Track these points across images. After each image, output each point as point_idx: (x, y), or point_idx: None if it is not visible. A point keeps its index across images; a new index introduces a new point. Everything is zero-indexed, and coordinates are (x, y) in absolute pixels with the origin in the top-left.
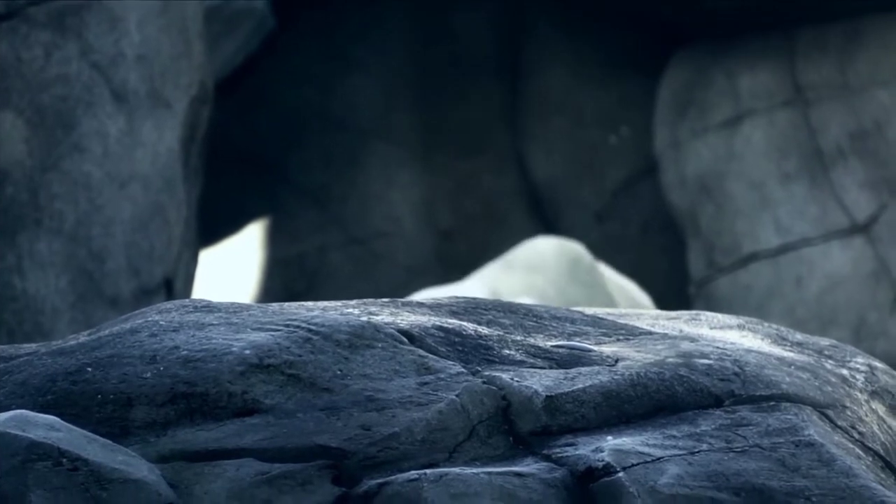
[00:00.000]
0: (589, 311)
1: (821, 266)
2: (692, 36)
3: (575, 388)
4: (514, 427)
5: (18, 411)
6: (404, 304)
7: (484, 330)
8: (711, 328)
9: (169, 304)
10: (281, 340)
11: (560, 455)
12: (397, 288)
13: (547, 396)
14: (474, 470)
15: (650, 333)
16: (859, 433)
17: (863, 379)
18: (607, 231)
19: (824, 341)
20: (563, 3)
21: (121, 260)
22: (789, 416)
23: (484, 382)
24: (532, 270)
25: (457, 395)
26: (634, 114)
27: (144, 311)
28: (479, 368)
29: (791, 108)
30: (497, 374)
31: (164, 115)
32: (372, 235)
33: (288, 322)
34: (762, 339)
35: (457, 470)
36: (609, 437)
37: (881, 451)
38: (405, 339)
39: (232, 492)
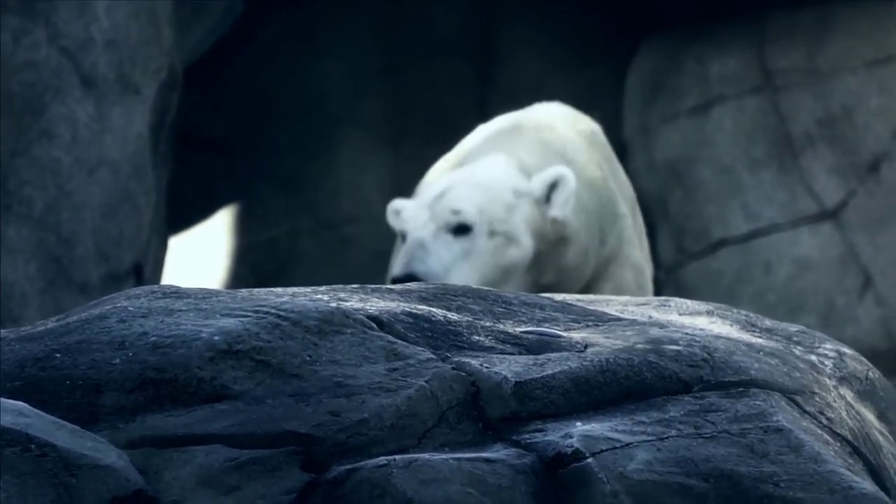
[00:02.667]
0: (558, 297)
1: (790, 252)
2: (663, 22)
3: (544, 374)
4: (484, 413)
5: None
6: (374, 290)
7: (453, 316)
8: (680, 314)
9: (138, 290)
10: (250, 326)
11: (529, 441)
12: (367, 273)
13: (516, 382)
14: (443, 456)
15: (619, 319)
16: (827, 419)
17: (831, 365)
18: None
19: (793, 327)
20: None
21: (90, 246)
22: (758, 402)
23: (453, 368)
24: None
25: (426, 381)
26: (605, 99)
27: (113, 297)
28: (449, 354)
29: (760, 94)
30: (466, 360)
31: (133, 101)
32: (342, 221)
33: (257, 308)
34: (731, 326)
35: (426, 456)
36: (578, 423)
37: (849, 437)
38: (374, 325)
39: (201, 478)
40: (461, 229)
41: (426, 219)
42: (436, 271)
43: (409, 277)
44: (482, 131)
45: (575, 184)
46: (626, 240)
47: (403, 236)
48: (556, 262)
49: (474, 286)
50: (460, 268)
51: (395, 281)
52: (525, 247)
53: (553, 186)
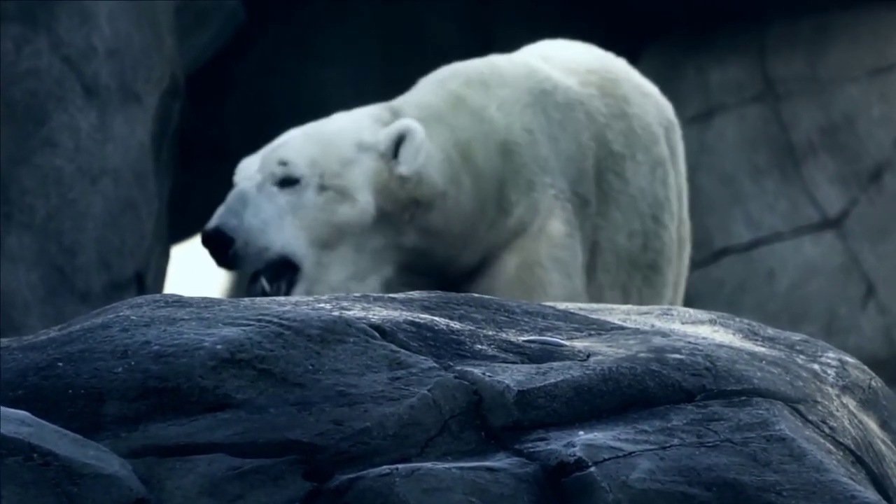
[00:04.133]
0: (561, 306)
1: (792, 261)
2: (663, 30)
3: (547, 382)
4: (486, 422)
5: None
6: (376, 299)
7: (456, 325)
8: (683, 323)
9: (140, 299)
10: (252, 335)
11: (532, 450)
12: None
13: (519, 391)
14: (446, 465)
15: (622, 328)
16: (830, 428)
17: (834, 374)
18: None
19: (796, 336)
20: None
21: (92, 254)
22: (761, 411)
23: (456, 377)
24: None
25: (429, 390)
26: None
27: (116, 306)
28: (451, 363)
29: (761, 102)
30: (469, 368)
31: (135, 110)
32: None
33: (259, 317)
34: (734, 334)
35: (428, 465)
36: (581, 432)
37: (852, 446)
38: (377, 334)
39: (204, 487)
40: (287, 181)
41: (255, 170)
42: (249, 226)
43: (218, 234)
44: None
45: (422, 139)
46: (545, 211)
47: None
48: (418, 224)
49: (302, 248)
50: (283, 223)
51: (204, 238)
52: (362, 205)
53: (400, 141)
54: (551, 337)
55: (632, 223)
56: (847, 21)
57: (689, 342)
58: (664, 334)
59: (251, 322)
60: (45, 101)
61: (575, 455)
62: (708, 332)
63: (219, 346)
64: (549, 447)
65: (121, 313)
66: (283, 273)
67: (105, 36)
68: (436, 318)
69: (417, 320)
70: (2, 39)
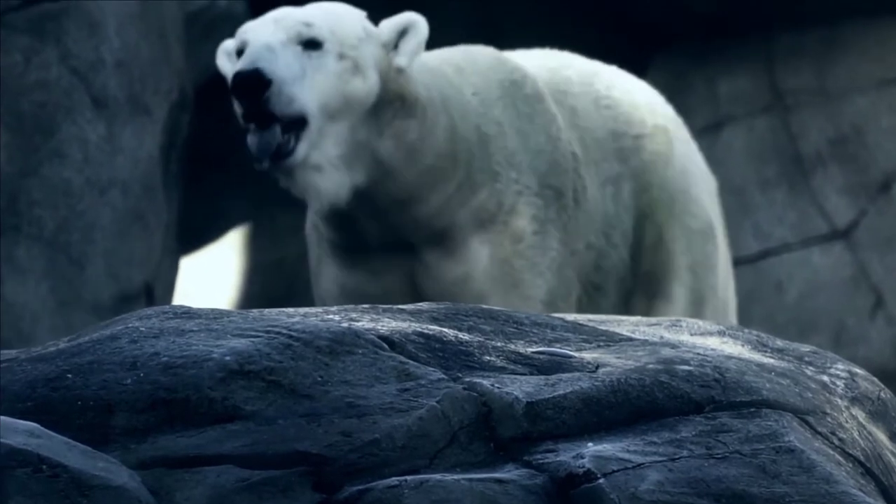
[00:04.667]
0: (570, 317)
1: (801, 272)
2: (671, 41)
3: (556, 394)
4: (495, 433)
5: None
6: (385, 311)
7: (465, 336)
8: (692, 334)
9: (149, 311)
10: (261, 347)
11: (541, 461)
12: None
13: (528, 403)
14: (455, 476)
15: (631, 340)
16: (839, 439)
17: (843, 385)
18: None
19: (804, 347)
20: (539, 6)
21: (101, 266)
22: (770, 423)
23: (465, 389)
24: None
25: (437, 402)
26: None
27: (125, 318)
28: (460, 375)
29: (770, 113)
30: (478, 380)
31: (144, 121)
32: None
33: (268, 328)
34: (742, 346)
35: (437, 476)
36: (590, 444)
37: (861, 458)
38: (386, 346)
39: (213, 498)
40: (312, 44)
41: (274, 29)
42: (283, 76)
43: (256, 76)
44: None
45: (424, 35)
46: (509, 207)
47: (241, 52)
48: (396, 129)
49: (316, 109)
50: (309, 81)
51: (241, 79)
52: (371, 82)
53: (403, 33)
54: (560, 348)
55: (589, 234)
56: (856, 32)
57: (698, 354)
58: (673, 346)
59: (260, 333)
60: (53, 112)
61: (584, 466)
62: (716, 343)
63: (228, 358)
64: (558, 459)
65: (130, 325)
66: (292, 128)
67: (114, 47)
68: (444, 330)
69: (426, 331)
70: (10, 51)
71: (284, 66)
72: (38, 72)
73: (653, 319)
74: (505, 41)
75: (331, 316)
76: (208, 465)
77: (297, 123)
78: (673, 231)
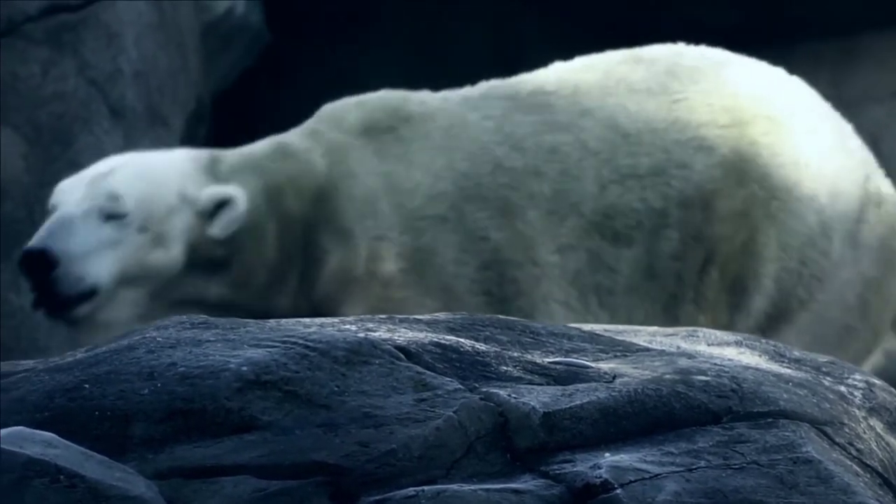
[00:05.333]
0: (586, 327)
1: None
2: None
3: (572, 404)
4: (512, 443)
5: (16, 428)
6: (402, 321)
7: (481, 346)
8: (709, 345)
9: (166, 321)
10: (278, 357)
11: (558, 472)
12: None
13: (544, 413)
14: (472, 486)
15: (647, 350)
16: (857, 450)
17: (861, 396)
18: None
19: (822, 358)
20: (559, 20)
21: None
22: (787, 433)
23: (481, 399)
24: None
25: (454, 412)
26: None
27: (142, 328)
28: (477, 385)
29: None
30: (495, 390)
31: (161, 132)
32: None
33: (285, 338)
34: (760, 356)
35: (454, 486)
36: (607, 454)
37: (879, 468)
38: (402, 356)
39: None
40: (114, 216)
41: (81, 196)
42: (75, 252)
43: (42, 255)
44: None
45: (242, 212)
46: (370, 257)
47: (52, 212)
48: (220, 280)
49: (114, 277)
50: (103, 255)
51: (25, 256)
52: (174, 255)
53: (221, 206)
54: (577, 358)
55: (558, 238)
56: (872, 43)
57: (715, 364)
58: (690, 356)
59: (276, 344)
60: (71, 123)
61: (601, 477)
62: (734, 353)
63: (244, 368)
64: (575, 469)
65: (147, 335)
66: (83, 298)
67: (131, 58)
68: (461, 340)
69: (443, 342)
70: (29, 62)
71: (78, 242)
72: (56, 83)
73: (670, 329)
74: (527, 46)
75: (347, 326)
76: (225, 475)
77: (88, 295)
78: (766, 232)
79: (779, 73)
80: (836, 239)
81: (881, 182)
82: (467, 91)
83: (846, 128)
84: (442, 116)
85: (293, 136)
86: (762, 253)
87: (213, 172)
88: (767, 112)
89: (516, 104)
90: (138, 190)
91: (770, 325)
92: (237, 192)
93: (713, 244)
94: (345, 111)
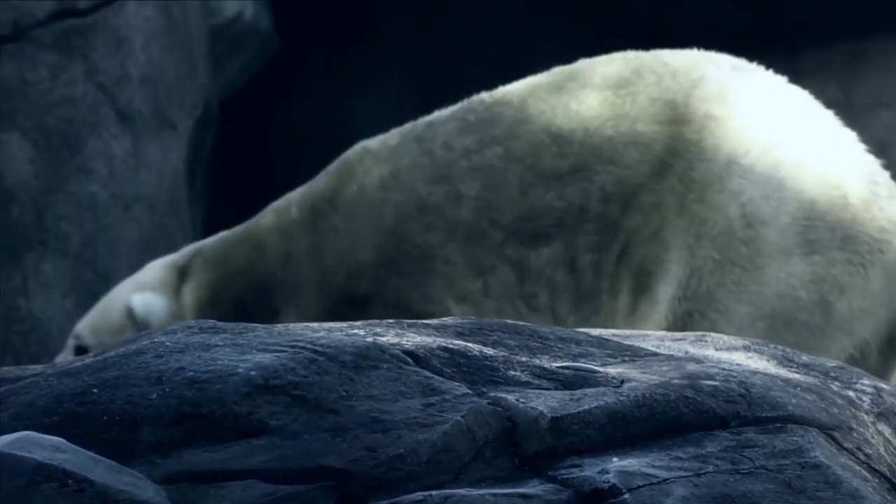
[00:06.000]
0: (594, 332)
1: None
2: None
3: (581, 409)
4: (520, 448)
5: (24, 433)
6: (410, 325)
7: (489, 351)
8: (717, 349)
9: (175, 326)
10: (286, 361)
11: (566, 476)
12: None
13: (552, 418)
14: (480, 491)
15: (656, 355)
16: (865, 455)
17: (869, 401)
18: None
19: (830, 363)
20: (568, 25)
21: None
22: (795, 438)
23: (489, 403)
24: None
25: (462, 417)
26: None
27: (150, 333)
28: (485, 389)
29: None
30: (503, 395)
31: (169, 136)
32: None
33: (293, 343)
34: (768, 361)
35: (462, 491)
36: (615, 459)
37: (887, 473)
38: (410, 360)
39: None
40: (80, 350)
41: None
42: None
43: None
44: None
45: (159, 313)
46: None
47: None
48: None
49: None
50: None
51: None
52: None
53: (142, 316)
54: (585, 363)
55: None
56: (881, 47)
57: (724, 369)
58: (698, 361)
59: (285, 348)
60: (79, 128)
61: (609, 482)
62: (742, 358)
63: (253, 373)
64: (583, 474)
65: (155, 339)
66: None
67: (139, 63)
68: (469, 345)
69: (451, 346)
70: (37, 67)
71: None
72: (65, 87)
73: (678, 334)
74: (533, 62)
75: (355, 331)
76: (233, 479)
77: None
78: (676, 222)
79: (769, 78)
80: (769, 231)
81: (868, 188)
82: (431, 117)
83: (835, 134)
84: (378, 169)
85: (267, 216)
86: (669, 241)
87: (184, 271)
88: (712, 111)
89: (464, 125)
90: (90, 322)
91: (693, 313)
92: (136, 300)
93: (628, 235)
94: (312, 183)
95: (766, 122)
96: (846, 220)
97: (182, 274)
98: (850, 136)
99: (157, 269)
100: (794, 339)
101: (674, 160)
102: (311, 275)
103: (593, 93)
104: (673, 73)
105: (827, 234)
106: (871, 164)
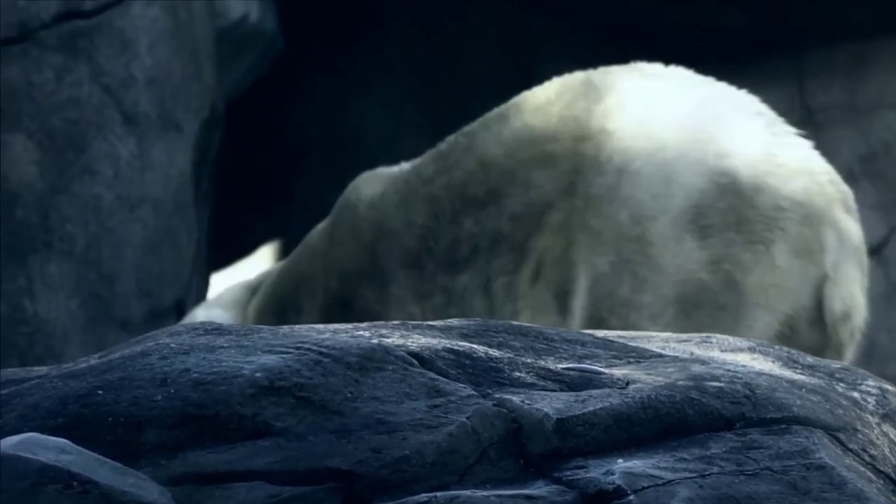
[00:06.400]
0: (600, 333)
1: None
2: (701, 59)
3: (586, 410)
4: (525, 450)
5: (29, 434)
6: (415, 327)
7: (494, 352)
8: (722, 351)
9: (180, 327)
10: (291, 363)
11: (571, 478)
12: None
13: (558, 419)
14: (485, 493)
15: (661, 356)
16: (870, 456)
17: (874, 402)
18: None
19: (835, 364)
20: (571, 26)
21: (131, 283)
22: (800, 439)
23: (494, 405)
24: None
25: (467, 418)
26: None
27: (155, 334)
28: (490, 391)
29: (800, 130)
30: (508, 396)
31: (174, 138)
32: None
33: (298, 345)
34: (773, 362)
35: (467, 493)
36: (620, 460)
37: (892, 474)
38: (415, 362)
39: None
40: None
41: None
42: None
43: None
44: None
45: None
46: None
47: None
48: None
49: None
50: None
51: None
52: None
53: None
54: (590, 365)
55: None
56: (886, 48)
57: (729, 370)
58: (703, 362)
59: (290, 350)
60: (85, 129)
61: (614, 483)
62: (747, 359)
63: (258, 374)
64: (588, 475)
65: (160, 341)
66: None
67: (145, 65)
68: (474, 346)
69: (456, 348)
70: (43, 69)
71: None
72: (70, 89)
73: (683, 335)
74: (538, 61)
75: (361, 332)
76: (239, 481)
77: None
78: (580, 240)
79: (681, 83)
80: (657, 224)
81: (761, 172)
82: (432, 152)
83: (733, 126)
84: (374, 188)
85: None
86: (575, 259)
87: (255, 290)
88: (606, 126)
89: (436, 154)
90: None
91: (601, 315)
92: (210, 316)
93: (539, 255)
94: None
95: (655, 127)
96: (738, 203)
97: (252, 293)
98: (754, 125)
99: (236, 289)
100: (711, 320)
101: (577, 178)
102: (321, 275)
103: (521, 117)
104: (586, 91)
105: (719, 218)
106: (775, 149)
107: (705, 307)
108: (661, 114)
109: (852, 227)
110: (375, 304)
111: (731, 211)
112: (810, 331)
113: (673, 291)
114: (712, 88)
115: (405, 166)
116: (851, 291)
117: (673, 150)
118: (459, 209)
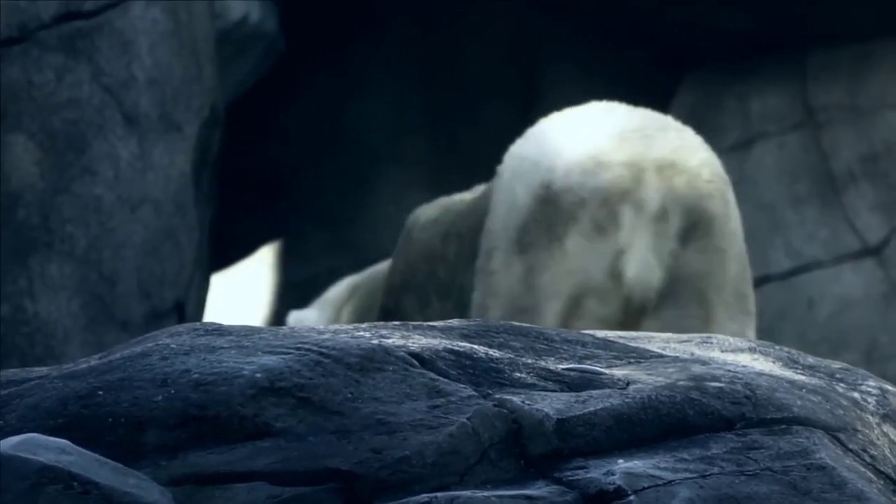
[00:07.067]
0: (600, 334)
1: (832, 289)
2: (703, 59)
3: (586, 410)
4: (526, 450)
5: (29, 435)
6: (415, 328)
7: (495, 353)
8: (723, 351)
9: (180, 328)
10: (292, 363)
11: (571, 478)
12: None
13: (558, 419)
14: (485, 493)
15: (661, 356)
16: (871, 456)
17: (874, 402)
18: None
19: (836, 364)
20: (573, 26)
21: (132, 283)
22: (801, 440)
23: (495, 405)
24: None
25: (468, 419)
26: None
27: (155, 335)
28: (490, 391)
29: (802, 130)
30: (508, 397)
31: (175, 139)
32: (383, 258)
33: (299, 345)
34: (774, 363)
35: (468, 493)
36: (620, 460)
37: (893, 475)
38: (416, 363)
39: None
40: None
41: None
42: None
43: None
44: None
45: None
46: None
47: None
48: None
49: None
50: None
51: None
52: None
53: None
54: (591, 365)
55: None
56: (888, 49)
57: (729, 370)
58: (704, 362)
59: (290, 350)
60: (85, 130)
61: (614, 483)
62: (748, 360)
63: (258, 375)
64: (588, 475)
65: (160, 342)
66: None
67: (145, 65)
68: (475, 346)
69: (456, 348)
70: (43, 69)
71: None
72: (70, 89)
73: (684, 336)
74: (541, 62)
75: (361, 333)
76: (239, 481)
77: None
78: (465, 271)
79: (563, 116)
80: (498, 255)
81: (573, 174)
82: (480, 187)
83: (570, 140)
84: (431, 212)
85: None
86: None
87: (356, 288)
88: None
89: (475, 192)
90: None
91: (460, 309)
92: (300, 317)
93: (458, 292)
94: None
95: (507, 165)
96: (548, 210)
97: (354, 291)
98: (600, 132)
99: (342, 285)
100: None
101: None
102: (382, 290)
103: None
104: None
105: (536, 230)
106: (610, 150)
107: (516, 318)
108: (515, 153)
109: (653, 199)
110: (403, 317)
111: (544, 220)
112: (600, 304)
113: (500, 313)
114: (578, 114)
115: (465, 196)
116: (644, 256)
117: (505, 180)
118: (457, 252)
